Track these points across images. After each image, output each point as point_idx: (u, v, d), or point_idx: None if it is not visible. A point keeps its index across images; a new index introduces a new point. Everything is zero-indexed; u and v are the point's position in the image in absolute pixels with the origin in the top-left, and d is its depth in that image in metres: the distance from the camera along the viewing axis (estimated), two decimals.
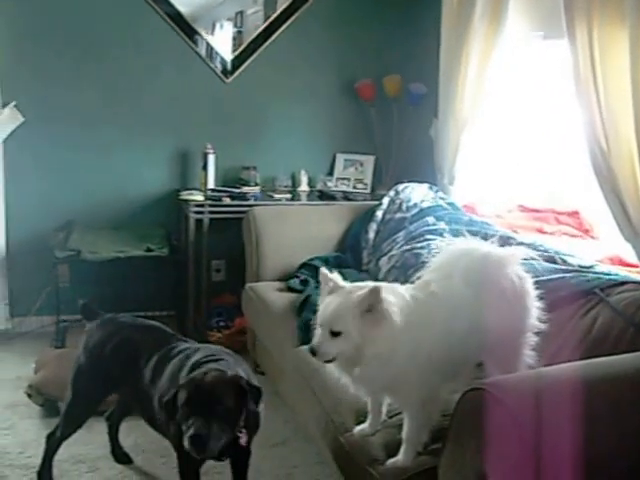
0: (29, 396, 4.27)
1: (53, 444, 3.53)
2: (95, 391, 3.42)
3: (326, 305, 2.79)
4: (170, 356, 3.15)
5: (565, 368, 2.58)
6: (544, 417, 2.25)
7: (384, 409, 3.07)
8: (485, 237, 3.26)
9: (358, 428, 3.06)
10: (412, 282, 3.09)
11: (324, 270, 2.90)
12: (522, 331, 3.06)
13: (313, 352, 2.76)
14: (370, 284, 2.79)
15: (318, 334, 2.77)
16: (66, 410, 3.48)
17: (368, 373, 2.77)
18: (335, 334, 2.71)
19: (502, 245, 3.18)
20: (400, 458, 2.83)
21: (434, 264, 3.12)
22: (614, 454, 2.32)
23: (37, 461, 3.71)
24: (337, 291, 2.80)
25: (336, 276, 2.87)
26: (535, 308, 3.08)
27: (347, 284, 2.85)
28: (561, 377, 2.48)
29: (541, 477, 2.22)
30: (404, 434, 2.85)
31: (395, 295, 2.80)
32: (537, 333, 3.07)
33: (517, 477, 2.25)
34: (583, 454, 2.23)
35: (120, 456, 3.83)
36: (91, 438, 3.97)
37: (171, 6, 5.52)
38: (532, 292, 3.09)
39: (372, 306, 2.67)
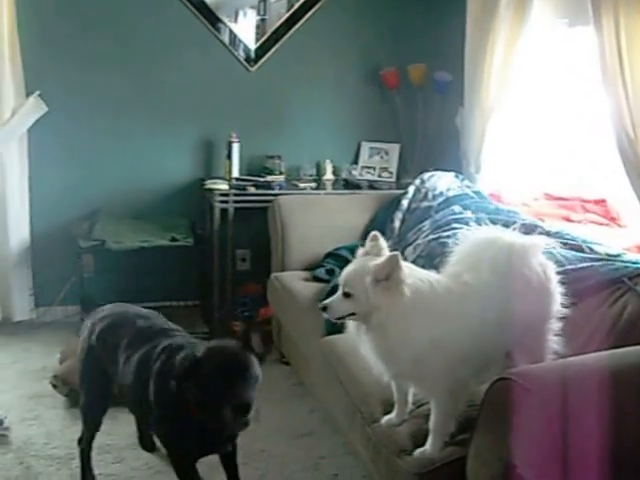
0: (54, 386, 4.28)
1: (85, 448, 3.50)
2: (97, 383, 3.36)
3: (350, 265, 2.86)
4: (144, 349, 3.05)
5: (592, 357, 2.58)
6: (571, 406, 2.25)
7: (410, 398, 3.05)
8: (510, 225, 3.23)
9: (385, 418, 3.05)
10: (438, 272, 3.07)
11: (375, 232, 2.95)
12: (547, 318, 3.04)
13: (324, 308, 2.84)
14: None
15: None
16: (81, 410, 3.47)
17: (373, 341, 2.80)
18: (347, 295, 2.77)
19: (527, 233, 3.16)
20: (428, 448, 2.82)
21: (459, 254, 3.09)
22: None
23: (62, 452, 3.77)
24: (371, 254, 2.85)
25: (383, 242, 2.91)
26: (558, 294, 3.06)
27: (387, 252, 2.86)
28: (588, 366, 2.48)
29: (569, 466, 2.21)
30: (431, 424, 2.84)
31: (422, 281, 2.81)
32: (564, 321, 3.05)
33: (545, 467, 2.24)
34: (611, 443, 2.23)
35: (147, 443, 3.82)
36: (116, 429, 3.97)
37: None
38: (555, 278, 3.07)
39: (389, 275, 2.69)
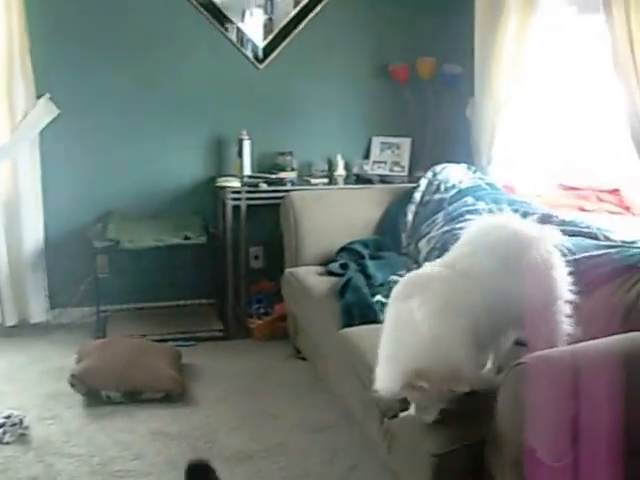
0: (72, 385, 4.29)
1: None
2: None
3: None
4: None
5: (607, 341, 2.59)
6: (588, 390, 2.27)
7: None
8: (525, 215, 3.25)
9: (404, 414, 3.03)
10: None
11: None
12: (551, 302, 3.04)
13: None
14: None
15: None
16: None
17: None
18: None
19: (542, 223, 3.18)
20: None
21: (465, 237, 3.19)
22: None
23: (81, 450, 3.78)
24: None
25: None
26: (564, 279, 3.06)
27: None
28: (603, 350, 2.51)
29: (586, 450, 2.23)
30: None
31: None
32: (580, 308, 3.04)
33: (563, 450, 2.26)
34: (627, 427, 2.24)
35: None
36: (134, 426, 4.02)
37: None
38: (559, 264, 3.08)
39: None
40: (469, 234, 3.18)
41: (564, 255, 3.10)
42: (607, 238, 3.56)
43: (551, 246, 3.07)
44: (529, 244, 3.02)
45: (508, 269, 2.94)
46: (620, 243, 3.47)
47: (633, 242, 3.45)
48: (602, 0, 3.79)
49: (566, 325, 3.02)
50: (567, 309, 3.04)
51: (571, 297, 3.05)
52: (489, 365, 3.16)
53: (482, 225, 3.19)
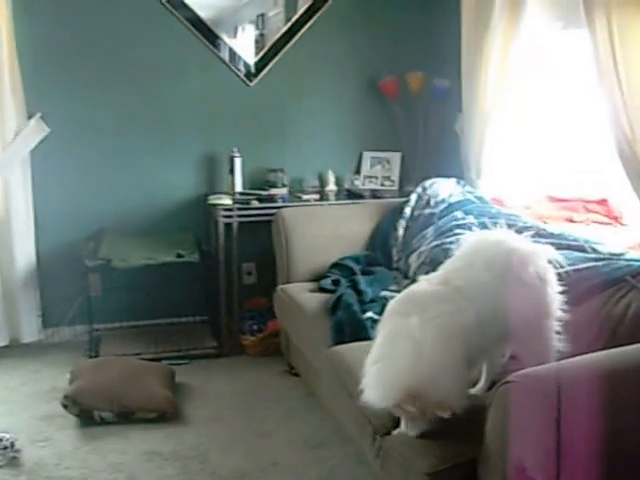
0: (65, 407, 4.26)
1: None
2: None
3: None
4: None
5: (595, 357, 2.59)
6: (576, 407, 2.26)
7: None
8: (516, 230, 3.26)
9: (396, 431, 3.02)
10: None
11: None
12: (545, 318, 3.05)
13: None
14: None
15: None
16: None
17: None
18: None
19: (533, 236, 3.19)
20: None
21: (461, 252, 3.18)
22: None
23: (74, 472, 3.76)
24: None
25: None
26: (557, 295, 3.08)
27: None
28: (591, 366, 2.50)
29: (576, 467, 2.22)
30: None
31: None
32: (568, 321, 3.05)
33: (553, 468, 2.25)
34: (617, 443, 2.24)
35: None
36: (127, 447, 4.00)
37: (192, 12, 5.53)
38: (553, 281, 3.10)
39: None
40: (465, 249, 3.17)
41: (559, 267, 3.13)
42: (594, 250, 3.55)
43: (546, 262, 3.09)
44: (526, 260, 3.03)
45: (504, 284, 2.94)
46: (608, 255, 3.46)
47: (620, 254, 3.45)
48: (584, 13, 3.80)
49: (557, 341, 3.03)
50: (558, 325, 3.05)
51: (562, 313, 3.06)
52: (481, 382, 3.16)
53: (478, 240, 3.18)
